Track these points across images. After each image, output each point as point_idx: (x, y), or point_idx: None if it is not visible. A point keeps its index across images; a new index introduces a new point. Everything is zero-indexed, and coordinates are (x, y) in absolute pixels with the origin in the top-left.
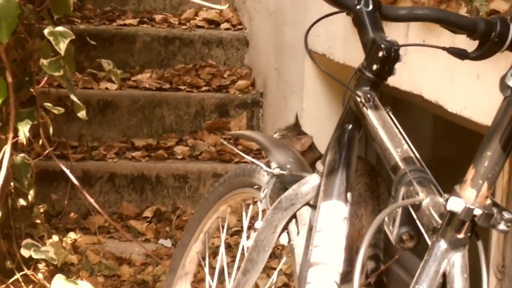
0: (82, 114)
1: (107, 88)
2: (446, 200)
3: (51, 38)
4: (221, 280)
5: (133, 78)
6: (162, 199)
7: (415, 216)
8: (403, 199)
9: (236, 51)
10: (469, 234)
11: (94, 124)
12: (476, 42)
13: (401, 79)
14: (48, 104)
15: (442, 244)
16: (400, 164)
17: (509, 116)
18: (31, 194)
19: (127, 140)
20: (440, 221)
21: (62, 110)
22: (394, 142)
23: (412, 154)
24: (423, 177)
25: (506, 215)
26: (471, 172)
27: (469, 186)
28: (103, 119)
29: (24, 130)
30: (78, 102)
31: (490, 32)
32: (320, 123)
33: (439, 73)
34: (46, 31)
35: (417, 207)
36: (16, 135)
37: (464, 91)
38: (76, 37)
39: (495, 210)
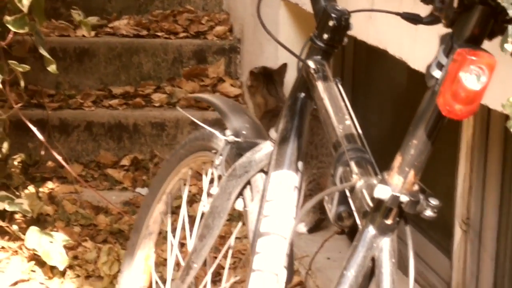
0: (52, 68)
1: (83, 36)
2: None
3: None
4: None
5: (110, 24)
6: (139, 147)
7: (349, 198)
8: (340, 179)
9: None
10: (397, 219)
11: (71, 72)
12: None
13: (368, 33)
14: (13, 62)
15: (371, 230)
16: (340, 141)
17: (433, 105)
18: (4, 147)
19: (105, 87)
20: (371, 204)
21: (27, 67)
22: (337, 117)
23: (354, 131)
24: (360, 157)
25: (432, 201)
26: (398, 160)
27: (396, 174)
28: (80, 67)
29: None
30: (48, 56)
31: None
32: (294, 72)
33: (403, 29)
34: None
35: (351, 188)
36: None
37: (426, 49)
38: None
39: (421, 196)
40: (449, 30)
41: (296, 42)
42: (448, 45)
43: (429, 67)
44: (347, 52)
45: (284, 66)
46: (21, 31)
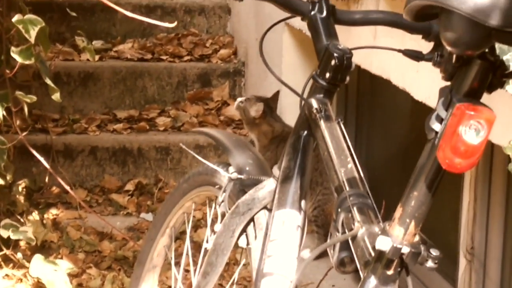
0: (56, 96)
1: (88, 60)
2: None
3: (20, 26)
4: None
5: (115, 48)
6: (144, 171)
7: (351, 246)
8: (342, 225)
9: (219, 19)
10: (399, 270)
11: (75, 96)
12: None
13: (371, 62)
14: (20, 93)
15: (373, 281)
16: (343, 185)
17: (433, 158)
18: (9, 174)
19: (109, 111)
20: (373, 254)
21: (34, 98)
22: (340, 159)
23: (356, 175)
24: (362, 203)
25: (433, 252)
26: (399, 211)
27: (397, 225)
28: (84, 91)
29: None
30: (52, 85)
31: None
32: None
33: (406, 60)
34: (14, 19)
35: (353, 236)
36: None
37: (429, 80)
38: (57, 8)
39: (422, 248)
40: (448, 83)
41: (299, 67)
42: (448, 98)
43: (428, 120)
44: (351, 79)
45: (277, 94)
46: (27, 62)
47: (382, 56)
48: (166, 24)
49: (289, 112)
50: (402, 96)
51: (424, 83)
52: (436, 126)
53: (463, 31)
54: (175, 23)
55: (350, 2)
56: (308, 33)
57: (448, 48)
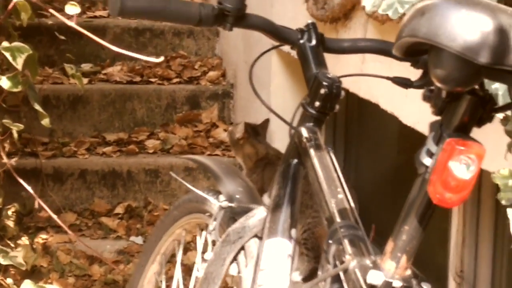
0: (45, 122)
1: (77, 83)
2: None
3: (7, 54)
4: None
5: (104, 71)
6: (133, 194)
7: (343, 279)
8: (333, 257)
9: (207, 41)
10: None
11: (65, 120)
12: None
13: (359, 86)
14: (7, 121)
15: None
16: (333, 217)
17: (423, 192)
18: None
19: (99, 134)
20: (364, 287)
21: (21, 126)
22: (330, 189)
23: (347, 205)
24: (353, 235)
25: (425, 286)
26: (390, 245)
27: (388, 259)
28: (74, 114)
29: None
30: (41, 110)
31: None
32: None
33: (394, 84)
34: (1, 47)
35: (345, 269)
36: None
37: (418, 105)
38: (45, 31)
39: (414, 282)
40: (438, 118)
41: (288, 89)
42: (438, 133)
43: (419, 154)
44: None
45: (267, 121)
46: (15, 89)
47: (370, 81)
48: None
49: (277, 138)
50: (391, 120)
51: (413, 108)
52: (427, 160)
53: (453, 68)
54: (162, 58)
55: (339, 26)
56: (296, 56)
57: (438, 85)
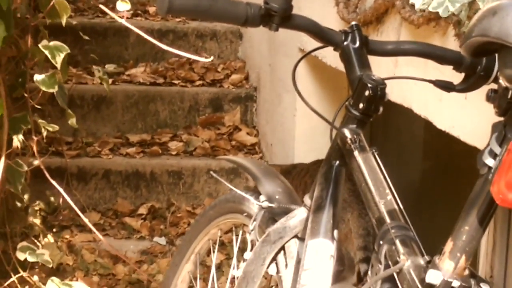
0: (72, 122)
1: (101, 83)
2: (427, 264)
3: (46, 52)
4: None
5: (127, 72)
6: (156, 195)
7: (396, 279)
8: (385, 257)
9: (230, 44)
10: None
11: (88, 120)
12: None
13: (391, 90)
14: (42, 122)
15: None
16: (384, 218)
17: (485, 192)
18: (25, 197)
19: (122, 135)
20: (420, 287)
21: (56, 127)
22: (379, 191)
23: (396, 206)
24: (405, 235)
25: (484, 286)
26: (449, 245)
27: (447, 259)
28: (97, 115)
29: (17, 137)
30: (69, 111)
31: (476, 66)
32: (313, 124)
33: (428, 88)
34: (41, 45)
35: (399, 269)
36: (10, 140)
37: (453, 109)
38: (70, 31)
39: (472, 282)
40: (501, 119)
41: (314, 93)
42: (501, 134)
43: (481, 154)
44: None
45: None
46: (51, 90)
47: (403, 84)
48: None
49: (304, 141)
50: (417, 124)
51: (447, 112)
52: (490, 161)
53: None
54: (211, 58)
55: (370, 30)
56: (324, 60)
57: (506, 84)
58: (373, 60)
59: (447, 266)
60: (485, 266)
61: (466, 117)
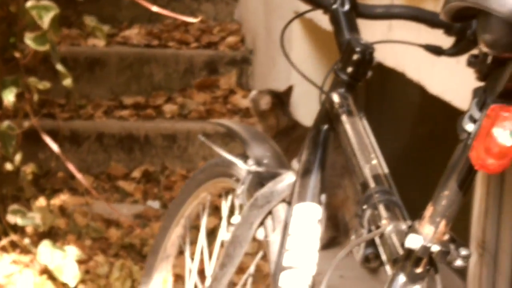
0: (67, 82)
1: (94, 45)
2: (407, 231)
3: (33, 12)
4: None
5: (121, 34)
6: (150, 159)
7: (378, 243)
8: (368, 221)
9: (226, 6)
10: (427, 268)
11: (82, 82)
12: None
13: (385, 54)
14: (33, 79)
15: (401, 278)
16: (368, 182)
17: (464, 158)
18: (17, 159)
19: (116, 97)
20: (401, 251)
21: (48, 85)
22: (364, 155)
23: (381, 171)
24: (388, 200)
25: (463, 251)
26: (429, 210)
27: (427, 223)
28: (91, 77)
29: (8, 98)
30: (64, 71)
31: (466, 30)
32: (307, 88)
33: (421, 52)
34: (28, 4)
35: (381, 233)
36: (0, 102)
37: (445, 74)
38: None
39: (452, 246)
40: (481, 84)
41: (309, 57)
42: (481, 99)
43: (461, 120)
44: None
45: (290, 88)
46: (41, 48)
47: (396, 49)
48: (189, 19)
49: (301, 104)
50: (412, 90)
51: (440, 77)
52: (469, 126)
53: (501, 33)
54: (199, 18)
55: None
56: (319, 23)
57: (485, 49)
58: (366, 23)
59: (427, 230)
60: (477, 231)
61: (458, 82)
